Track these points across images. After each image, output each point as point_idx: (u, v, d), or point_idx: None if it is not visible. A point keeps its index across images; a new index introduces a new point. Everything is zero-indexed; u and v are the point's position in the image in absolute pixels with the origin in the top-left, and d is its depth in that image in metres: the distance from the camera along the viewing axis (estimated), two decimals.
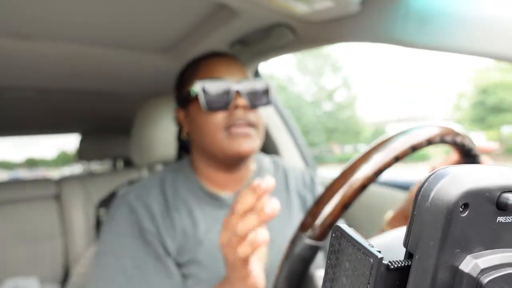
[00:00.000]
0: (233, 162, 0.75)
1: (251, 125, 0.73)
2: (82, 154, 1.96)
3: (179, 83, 0.81)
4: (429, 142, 0.47)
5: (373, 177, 0.44)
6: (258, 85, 0.75)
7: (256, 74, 1.32)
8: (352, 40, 0.81)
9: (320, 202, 0.44)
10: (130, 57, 1.13)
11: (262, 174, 0.84)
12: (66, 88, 1.39)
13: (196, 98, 0.73)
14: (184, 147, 0.95)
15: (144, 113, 1.18)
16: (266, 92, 0.77)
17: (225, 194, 0.77)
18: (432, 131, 0.48)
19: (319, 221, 0.43)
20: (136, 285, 0.64)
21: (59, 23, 0.88)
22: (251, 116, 0.73)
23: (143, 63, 1.20)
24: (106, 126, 2.11)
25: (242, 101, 0.72)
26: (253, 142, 0.73)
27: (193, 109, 0.75)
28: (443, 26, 0.63)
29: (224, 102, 0.71)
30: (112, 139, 2.03)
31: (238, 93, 0.72)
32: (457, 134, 0.50)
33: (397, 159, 0.45)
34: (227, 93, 0.71)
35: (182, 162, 0.83)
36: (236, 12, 0.85)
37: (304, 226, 0.44)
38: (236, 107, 0.72)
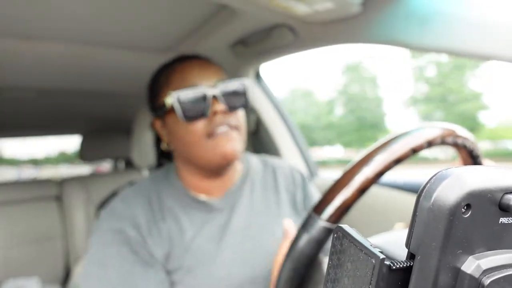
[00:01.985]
0: (218, 169, 0.73)
1: (232, 128, 0.72)
2: (83, 155, 1.96)
3: (151, 94, 0.78)
4: (430, 143, 0.47)
5: (391, 165, 0.45)
6: (234, 86, 0.72)
7: (257, 75, 1.32)
8: (352, 41, 0.81)
9: (338, 185, 0.45)
10: (131, 57, 1.14)
11: (250, 175, 0.83)
12: (66, 89, 1.40)
13: (172, 109, 0.71)
14: (165, 154, 0.93)
15: (145, 114, 1.18)
16: (243, 92, 0.74)
17: (212, 199, 0.76)
18: (433, 133, 0.48)
19: (335, 204, 0.44)
20: None
21: (60, 23, 0.88)
22: (231, 119, 0.71)
23: (144, 64, 1.20)
24: (107, 126, 2.11)
25: (220, 106, 0.70)
26: (237, 144, 0.71)
27: (170, 120, 0.73)
28: (444, 27, 0.63)
29: (201, 110, 0.69)
30: (113, 140, 2.03)
31: (215, 98, 0.70)
32: (458, 135, 0.50)
33: (414, 151, 0.46)
34: (203, 100, 0.69)
35: (166, 169, 0.81)
36: (236, 13, 0.85)
37: (318, 208, 0.45)
38: (215, 113, 0.70)
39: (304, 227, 0.45)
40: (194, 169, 0.75)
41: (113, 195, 1.22)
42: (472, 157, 0.54)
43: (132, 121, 1.24)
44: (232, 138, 0.71)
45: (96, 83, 1.36)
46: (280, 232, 0.77)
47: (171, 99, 0.69)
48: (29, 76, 1.21)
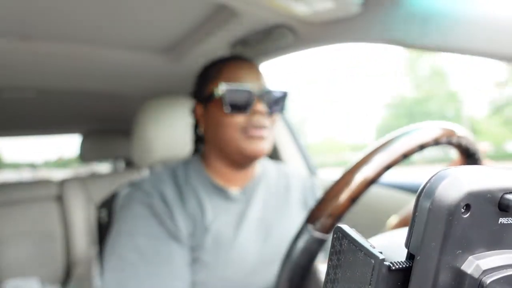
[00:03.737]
0: (245, 161, 0.79)
1: (265, 129, 0.78)
2: (84, 155, 1.96)
3: (200, 82, 0.84)
4: (422, 146, 0.47)
5: (381, 172, 0.45)
6: (276, 92, 0.79)
7: None
8: (352, 41, 0.81)
9: (329, 195, 0.45)
10: (130, 57, 1.13)
11: (265, 176, 0.89)
12: (66, 89, 1.39)
13: (218, 99, 0.76)
14: (201, 139, 0.97)
15: (145, 114, 1.18)
16: (283, 98, 0.81)
17: (233, 189, 0.82)
18: (424, 136, 0.47)
19: (327, 214, 0.44)
20: (150, 262, 0.67)
21: (59, 23, 0.88)
22: (267, 121, 0.78)
23: (144, 64, 1.20)
24: (107, 126, 2.11)
25: (261, 107, 0.76)
26: (266, 144, 0.78)
27: (213, 108, 0.79)
28: (444, 26, 0.63)
29: (244, 106, 0.75)
30: (113, 140, 2.03)
31: (258, 98, 0.76)
32: (451, 134, 0.50)
33: (405, 156, 0.46)
34: (248, 97, 0.75)
35: (192, 157, 0.87)
36: (236, 13, 0.85)
37: (311, 219, 0.45)
38: (255, 112, 0.76)
39: (298, 238, 0.45)
40: (222, 157, 0.81)
41: (113, 195, 1.21)
42: (468, 155, 0.54)
43: (132, 121, 1.24)
44: (263, 138, 0.77)
45: (96, 83, 1.36)
46: (289, 226, 0.84)
47: (220, 89, 0.75)
48: (29, 76, 1.21)
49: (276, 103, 0.80)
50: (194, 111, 0.86)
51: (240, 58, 0.83)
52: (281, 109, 0.82)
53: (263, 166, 0.92)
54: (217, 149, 0.81)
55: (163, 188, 0.76)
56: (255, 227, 0.80)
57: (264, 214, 0.83)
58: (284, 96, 0.81)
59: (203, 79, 0.83)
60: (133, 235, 0.70)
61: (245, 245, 0.76)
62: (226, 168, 0.82)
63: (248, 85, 0.77)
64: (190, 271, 0.71)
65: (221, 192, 0.80)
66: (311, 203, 0.90)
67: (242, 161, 0.79)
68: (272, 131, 0.81)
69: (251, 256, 0.76)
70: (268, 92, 0.78)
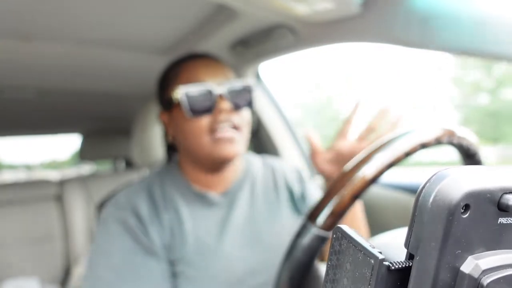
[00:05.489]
0: (218, 165, 0.76)
1: (235, 127, 0.73)
2: (84, 155, 1.96)
3: (161, 88, 0.81)
4: (424, 145, 0.47)
5: (383, 170, 0.45)
6: (240, 86, 0.75)
7: (257, 76, 1.32)
8: (353, 40, 0.81)
9: (330, 192, 0.45)
10: (130, 58, 1.14)
11: (250, 174, 0.85)
12: (66, 89, 1.40)
13: (178, 103, 0.73)
14: (173, 147, 0.95)
15: (145, 114, 1.18)
16: (249, 92, 0.76)
17: (213, 194, 0.78)
18: (426, 135, 0.47)
19: (328, 211, 0.44)
20: (127, 281, 0.66)
21: (59, 24, 0.88)
22: (235, 118, 0.73)
23: (144, 64, 1.20)
24: (107, 126, 2.11)
25: (225, 104, 0.72)
26: (237, 146, 0.74)
27: (176, 113, 0.76)
28: (444, 26, 0.63)
29: (207, 106, 0.71)
30: (113, 140, 2.03)
31: (221, 96, 0.72)
32: (453, 135, 0.50)
33: (407, 154, 0.46)
34: (209, 96, 0.71)
35: (169, 164, 0.84)
36: (236, 13, 0.85)
37: (312, 216, 0.45)
38: (220, 111, 0.72)
39: (299, 235, 0.45)
40: (195, 163, 0.78)
41: (113, 195, 1.22)
42: (469, 156, 0.54)
43: (132, 121, 1.24)
44: (233, 140, 0.72)
45: (96, 83, 1.36)
46: (279, 227, 0.79)
47: (179, 93, 0.71)
48: (29, 76, 1.21)
49: (242, 97, 0.75)
50: (161, 120, 0.83)
51: (200, 55, 0.78)
52: (248, 104, 0.77)
53: (248, 162, 0.88)
54: (188, 155, 0.77)
55: (137, 202, 0.73)
56: (240, 232, 0.76)
57: (250, 217, 0.78)
58: (249, 90, 0.76)
59: (163, 84, 0.80)
60: (108, 254, 0.68)
61: (230, 253, 0.72)
62: (202, 173, 0.78)
63: (208, 83, 0.72)
64: (172, 286, 0.69)
65: (200, 198, 0.76)
66: (299, 199, 0.86)
67: (214, 165, 0.76)
68: (244, 130, 0.77)
69: (238, 265, 0.72)
70: (231, 87, 0.73)
